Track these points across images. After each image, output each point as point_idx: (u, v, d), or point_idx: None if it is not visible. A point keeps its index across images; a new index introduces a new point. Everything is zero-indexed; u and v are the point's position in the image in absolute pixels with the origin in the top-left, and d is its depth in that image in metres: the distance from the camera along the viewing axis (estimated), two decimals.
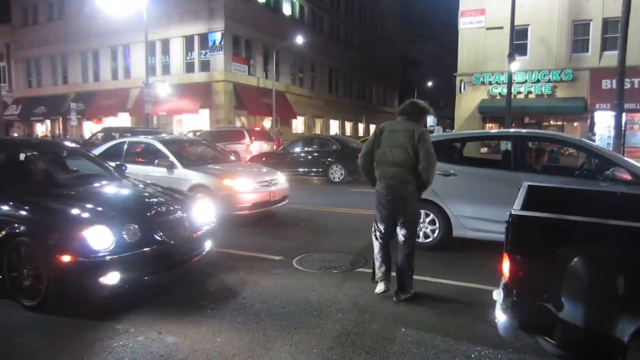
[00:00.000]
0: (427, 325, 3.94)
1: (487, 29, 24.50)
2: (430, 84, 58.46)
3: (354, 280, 5.11)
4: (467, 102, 25.50)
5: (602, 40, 22.69)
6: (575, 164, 6.62)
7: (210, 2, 28.87)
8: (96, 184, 5.37)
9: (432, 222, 6.38)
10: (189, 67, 30.74)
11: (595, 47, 22.88)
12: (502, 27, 22.93)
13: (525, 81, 23.87)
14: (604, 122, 22.36)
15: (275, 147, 20.82)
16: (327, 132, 41.12)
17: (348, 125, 46.76)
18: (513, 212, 2.83)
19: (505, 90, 22.06)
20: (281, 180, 8.79)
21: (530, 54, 23.80)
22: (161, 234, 4.41)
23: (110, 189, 5.33)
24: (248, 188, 7.90)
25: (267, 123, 32.25)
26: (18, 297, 4.12)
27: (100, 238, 3.96)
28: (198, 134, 20.98)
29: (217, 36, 28.97)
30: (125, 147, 8.62)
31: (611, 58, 20.39)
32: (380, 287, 4.54)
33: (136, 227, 4.20)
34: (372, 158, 4.53)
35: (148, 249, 4.22)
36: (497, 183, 5.81)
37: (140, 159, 8.52)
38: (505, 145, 6.81)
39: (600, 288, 2.54)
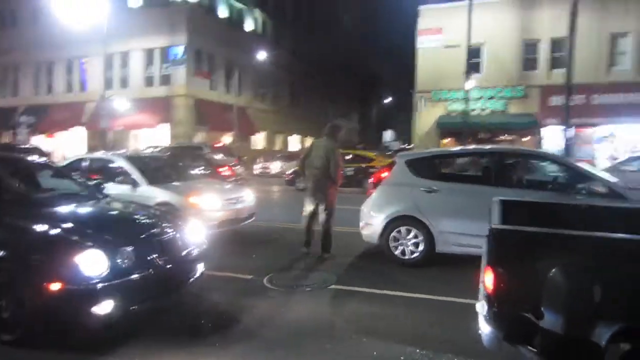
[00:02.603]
0: (409, 338, 4.00)
1: (445, 47, 25.27)
2: (388, 100, 59.63)
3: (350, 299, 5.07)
4: (426, 118, 26.22)
5: (551, 58, 23.95)
6: (544, 178, 6.76)
7: (173, 16, 28.57)
8: (78, 204, 5.00)
9: (415, 238, 6.34)
10: (149, 81, 30.18)
11: (544, 65, 24.17)
12: (458, 46, 23.65)
13: (481, 97, 24.78)
14: (552, 136, 23.15)
15: (235, 163, 20.61)
16: (286, 147, 41.07)
17: (308, 141, 46.51)
18: (493, 227, 2.93)
19: (462, 107, 22.99)
20: (248, 197, 8.69)
21: (484, 72, 24.87)
22: (156, 256, 4.11)
23: (94, 208, 5.01)
24: (215, 206, 7.78)
25: (227, 139, 31.87)
26: None
27: (93, 263, 3.64)
28: (157, 149, 20.47)
29: (179, 50, 28.62)
30: (87, 164, 8.33)
31: (559, 76, 21.49)
32: (304, 249, 6.91)
33: (131, 249, 3.90)
34: (304, 163, 6.91)
35: (144, 273, 3.92)
36: (478, 198, 5.65)
37: (101, 177, 8.18)
38: (484, 162, 6.88)
39: (578, 296, 2.65)
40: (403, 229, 6.34)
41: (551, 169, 6.73)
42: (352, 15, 56.76)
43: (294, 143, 43.78)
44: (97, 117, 25.54)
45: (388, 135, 52.22)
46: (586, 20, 20.83)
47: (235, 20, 34.37)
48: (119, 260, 3.77)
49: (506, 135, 25.69)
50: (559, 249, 2.78)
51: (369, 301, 4.99)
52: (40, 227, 3.98)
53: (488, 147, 7.96)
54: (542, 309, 2.65)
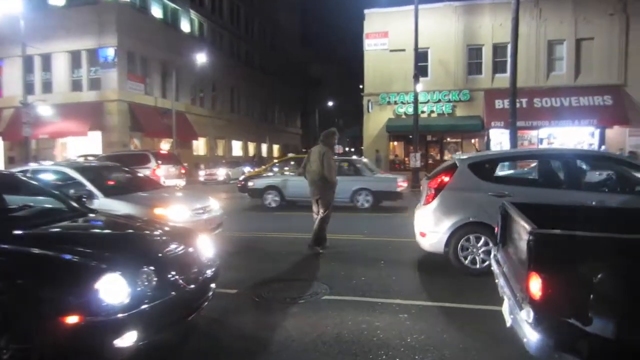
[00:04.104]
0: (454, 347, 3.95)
1: (391, 50, 26.04)
2: (333, 103, 60.26)
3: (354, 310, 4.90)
4: (375, 121, 26.80)
5: (494, 63, 25.22)
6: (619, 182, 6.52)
7: (101, 15, 27.21)
8: (71, 221, 4.51)
9: (486, 245, 6.05)
10: (76, 85, 28.55)
11: (488, 70, 25.39)
12: (404, 50, 24.53)
13: (428, 101, 25.62)
14: (495, 139, 24.76)
15: (182, 171, 20.01)
16: (230, 153, 40.44)
17: (251, 146, 46.41)
18: (534, 231, 2.90)
19: (410, 110, 23.67)
20: (215, 206, 8.35)
21: (431, 75, 25.70)
22: (177, 276, 3.73)
23: (93, 225, 4.53)
24: (182, 217, 7.29)
25: (165, 145, 30.83)
26: None
27: (114, 289, 3.21)
28: (91, 159, 19.38)
29: (109, 52, 27.31)
30: (29, 176, 7.61)
31: (502, 80, 23.04)
32: (317, 249, 7.67)
33: (152, 270, 3.50)
34: (305, 169, 7.95)
35: (167, 297, 3.52)
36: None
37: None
38: (554, 164, 6.77)
39: (627, 301, 2.67)
40: (472, 236, 6.11)
41: (623, 173, 6.43)
42: (294, 17, 57.10)
43: (237, 149, 43.17)
44: (17, 125, 23.81)
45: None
46: (525, 28, 22.34)
47: (170, 21, 33.37)
48: (140, 284, 3.38)
49: (448, 139, 27.00)
50: (606, 253, 2.81)
51: (367, 311, 4.85)
52: (42, 250, 3.47)
53: (560, 148, 7.79)
54: (590, 315, 2.66)
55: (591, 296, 2.67)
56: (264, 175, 16.43)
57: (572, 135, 23.93)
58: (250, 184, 14.88)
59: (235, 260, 7.17)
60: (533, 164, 8.50)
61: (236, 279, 6.02)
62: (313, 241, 7.69)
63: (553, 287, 2.78)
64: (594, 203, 5.29)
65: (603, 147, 22.49)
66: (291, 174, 15.15)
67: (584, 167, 6.76)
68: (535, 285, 2.81)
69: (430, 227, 6.37)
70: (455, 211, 6.16)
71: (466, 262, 6.15)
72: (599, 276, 2.68)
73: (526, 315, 2.89)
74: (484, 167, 6.44)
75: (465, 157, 6.89)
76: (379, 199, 13.37)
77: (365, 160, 16.03)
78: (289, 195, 13.95)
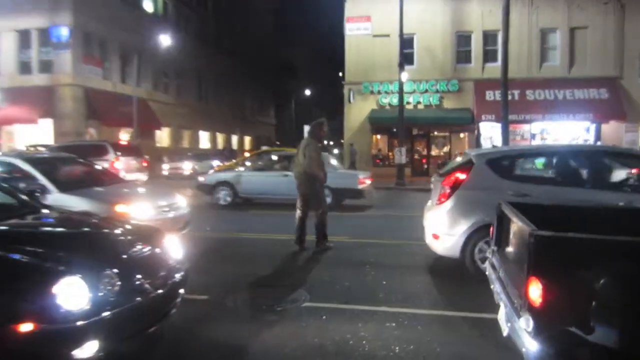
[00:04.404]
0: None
1: (374, 36, 26.08)
2: (311, 92, 60.17)
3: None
4: (357, 112, 26.83)
5: (484, 52, 25.54)
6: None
7: None
8: (22, 218, 4.39)
9: None
10: (25, 68, 27.75)
11: (478, 59, 25.71)
12: (388, 35, 24.56)
13: (414, 91, 25.75)
14: (486, 133, 25.05)
15: (144, 164, 19.69)
16: (197, 145, 40.02)
17: (220, 138, 46.04)
18: (535, 233, 2.92)
19: (394, 100, 23.77)
20: (182, 203, 8.23)
21: (417, 64, 25.86)
22: (142, 279, 3.63)
23: (48, 223, 4.44)
24: (146, 215, 7.14)
25: (125, 135, 30.23)
26: None
27: (73, 294, 3.10)
28: (42, 149, 18.88)
29: (63, 31, 26.54)
30: None
31: (493, 70, 23.19)
32: (296, 247, 7.86)
33: (115, 273, 3.40)
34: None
35: (132, 303, 3.44)
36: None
37: None
38: (578, 161, 6.70)
39: (632, 307, 2.68)
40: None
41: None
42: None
43: (205, 140, 42.72)
44: None
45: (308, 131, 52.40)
46: (517, 15, 22.69)
47: (132, 0, 32.79)
48: (102, 288, 3.29)
49: (436, 132, 27.20)
50: (610, 256, 2.84)
51: (351, 320, 4.84)
52: None
53: (584, 144, 7.64)
54: (593, 322, 2.69)
55: (594, 303, 2.70)
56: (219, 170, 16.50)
57: (567, 130, 24.42)
58: (200, 179, 14.89)
59: (205, 263, 7.05)
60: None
61: (207, 284, 5.94)
62: (319, 239, 7.91)
63: (554, 293, 2.79)
64: (621, 204, 5.31)
65: (599, 144, 22.89)
66: (252, 169, 15.15)
67: (609, 164, 6.73)
68: (535, 291, 2.82)
69: (445, 229, 6.31)
70: (473, 212, 6.08)
71: (484, 265, 6.00)
72: (602, 281, 2.71)
73: (525, 324, 2.91)
74: (503, 164, 6.45)
75: (482, 152, 6.83)
76: (338, 197, 13.21)
77: (325, 154, 15.97)
78: (243, 192, 13.99)
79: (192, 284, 5.57)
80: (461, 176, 6.38)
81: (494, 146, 19.96)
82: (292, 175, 8.47)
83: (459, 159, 7.90)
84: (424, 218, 6.98)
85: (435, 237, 6.46)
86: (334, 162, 14.92)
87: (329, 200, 12.82)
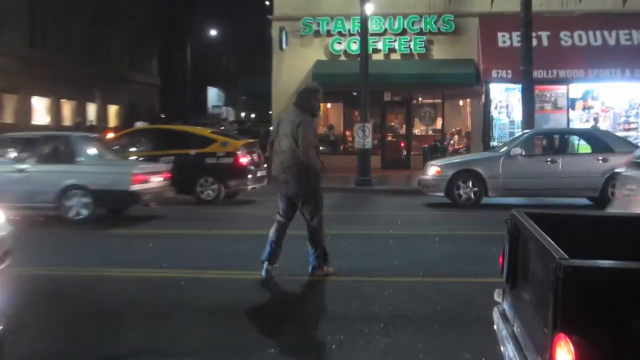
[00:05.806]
0: None
1: None
2: (216, 33, 60.44)
3: None
4: (293, 65, 26.33)
5: None
6: None
7: None
8: None
9: None
10: None
11: None
12: None
13: (385, 31, 25.32)
14: (498, 98, 24.82)
15: None
16: (28, 119, 37.93)
17: (68, 107, 43.76)
18: (565, 263, 2.83)
19: (354, 47, 24.21)
20: None
21: None
22: None
23: None
24: None
25: None
26: None
27: None
28: None
29: None
30: None
31: (507, 0, 22.83)
32: (266, 267, 8.24)
33: None
34: (271, 146, 9.16)
35: None
36: None
37: None
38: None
39: None
40: None
41: None
42: None
43: (42, 111, 40.62)
44: None
45: (213, 96, 51.25)
46: None
47: None
48: None
49: (420, 98, 27.08)
50: None
51: None
52: None
53: None
54: None
55: None
56: None
57: (623, 95, 24.10)
58: None
59: (37, 320, 6.75)
60: None
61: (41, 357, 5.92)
62: (318, 262, 8.19)
63: (591, 355, 2.75)
64: None
65: None
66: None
67: None
68: (563, 355, 2.74)
69: None
70: None
71: None
72: None
73: None
74: None
75: None
76: (98, 203, 13.42)
77: (93, 135, 16.65)
78: None
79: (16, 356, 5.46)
80: None
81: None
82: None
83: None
84: None
85: None
86: (93, 150, 15.04)
87: (85, 211, 13.38)
